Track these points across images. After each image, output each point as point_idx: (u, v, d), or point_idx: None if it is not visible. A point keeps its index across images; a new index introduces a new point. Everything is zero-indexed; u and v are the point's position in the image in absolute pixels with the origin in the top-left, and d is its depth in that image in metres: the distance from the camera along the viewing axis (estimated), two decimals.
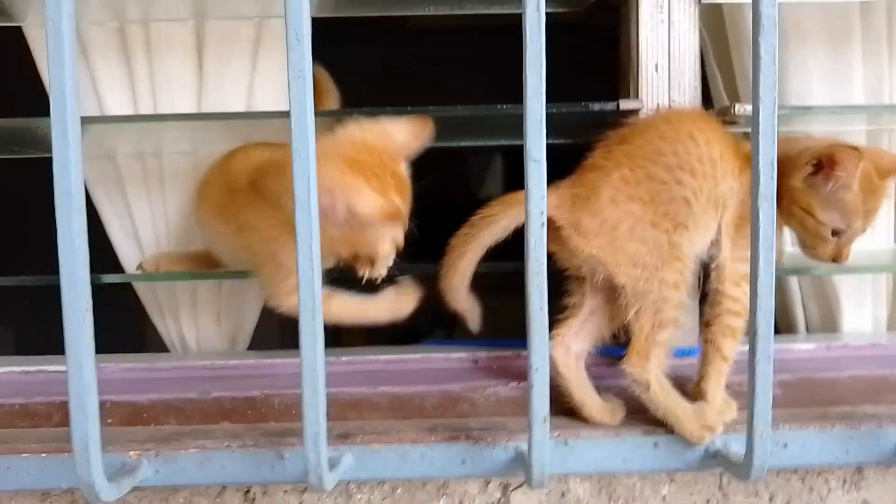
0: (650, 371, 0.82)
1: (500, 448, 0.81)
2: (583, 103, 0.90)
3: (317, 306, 0.70)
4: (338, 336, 1.05)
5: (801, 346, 1.01)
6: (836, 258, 0.87)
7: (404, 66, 2.58)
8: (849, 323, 1.12)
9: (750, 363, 0.73)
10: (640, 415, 0.85)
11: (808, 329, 1.16)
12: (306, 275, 0.69)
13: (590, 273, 0.85)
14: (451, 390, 0.89)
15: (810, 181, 0.84)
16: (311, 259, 0.68)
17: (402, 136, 0.86)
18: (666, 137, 0.84)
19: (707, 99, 1.12)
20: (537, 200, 0.69)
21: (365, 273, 0.89)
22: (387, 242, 0.86)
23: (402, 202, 0.83)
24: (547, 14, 0.68)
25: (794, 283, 1.15)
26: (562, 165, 0.85)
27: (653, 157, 0.83)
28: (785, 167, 0.82)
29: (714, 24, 1.13)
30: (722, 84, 1.14)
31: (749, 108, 0.90)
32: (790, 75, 1.09)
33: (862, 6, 1.10)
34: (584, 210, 0.83)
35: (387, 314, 0.90)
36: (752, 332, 0.72)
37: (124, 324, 1.23)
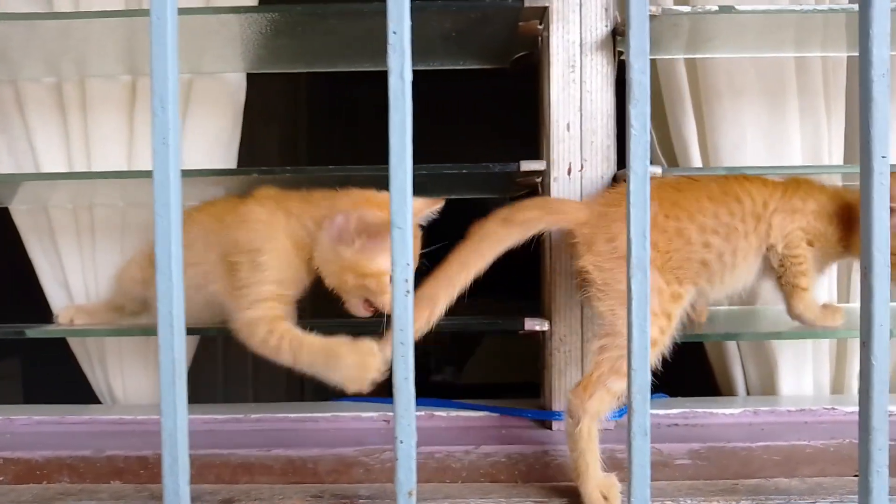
0: (587, 409, 0.80)
1: None
2: (484, 165, 0.89)
3: (178, 374, 0.69)
4: None
5: (725, 411, 0.97)
6: None
7: None
8: (788, 386, 1.08)
9: (627, 437, 0.70)
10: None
11: (748, 391, 1.12)
12: (166, 340, 0.68)
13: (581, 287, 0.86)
14: (345, 454, 0.87)
15: None
16: (172, 325, 0.68)
17: (418, 203, 0.85)
18: (713, 198, 0.86)
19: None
20: (402, 268, 0.68)
21: (378, 304, 0.86)
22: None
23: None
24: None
25: (732, 343, 1.11)
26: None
27: (690, 214, 0.85)
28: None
29: (652, 81, 1.12)
30: (657, 142, 1.12)
31: (657, 169, 0.89)
32: (724, 132, 1.07)
33: (798, 63, 1.08)
34: (604, 230, 0.83)
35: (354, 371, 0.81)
36: (629, 406, 0.69)
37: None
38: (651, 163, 1.11)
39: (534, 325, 0.90)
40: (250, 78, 1.13)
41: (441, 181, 0.97)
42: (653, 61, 1.10)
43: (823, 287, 1.08)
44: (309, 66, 1.11)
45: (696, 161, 1.08)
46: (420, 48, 1.00)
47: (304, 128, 2.91)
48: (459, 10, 0.88)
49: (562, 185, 0.93)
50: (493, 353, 3.17)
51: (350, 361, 0.78)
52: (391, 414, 0.97)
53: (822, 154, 1.08)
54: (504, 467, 0.86)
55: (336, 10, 0.92)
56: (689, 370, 1.18)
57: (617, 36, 0.93)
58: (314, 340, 0.81)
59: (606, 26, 0.93)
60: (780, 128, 1.07)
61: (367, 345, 0.79)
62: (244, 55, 1.06)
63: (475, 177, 0.92)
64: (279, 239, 0.86)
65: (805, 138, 1.08)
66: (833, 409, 0.98)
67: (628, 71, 0.67)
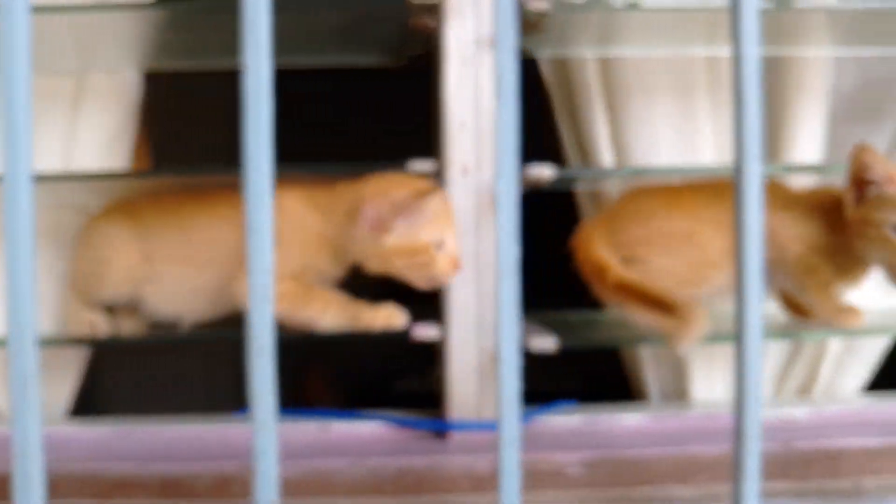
0: None
1: None
2: (369, 164, 0.87)
3: (30, 384, 0.65)
4: None
5: (629, 417, 0.95)
6: None
7: None
8: (699, 391, 1.07)
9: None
10: None
11: (660, 396, 1.11)
12: (18, 347, 0.64)
13: None
14: (226, 469, 0.83)
15: (859, 204, 0.87)
16: (23, 332, 0.64)
17: None
18: None
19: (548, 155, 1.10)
20: (260, 273, 0.65)
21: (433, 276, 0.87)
22: (446, 238, 0.85)
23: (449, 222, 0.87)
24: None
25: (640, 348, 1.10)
26: None
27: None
28: (839, 210, 0.88)
29: (560, 80, 1.10)
30: (569, 141, 1.11)
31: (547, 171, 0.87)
32: (635, 130, 1.06)
33: (708, 60, 1.07)
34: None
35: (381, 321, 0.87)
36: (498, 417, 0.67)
37: None
38: (562, 163, 1.11)
39: (425, 332, 0.87)
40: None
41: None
42: (563, 59, 1.09)
43: None
44: (205, 62, 1.08)
45: (609, 163, 1.07)
46: (309, 45, 0.98)
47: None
48: (344, 7, 0.85)
49: (456, 185, 0.91)
50: None
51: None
52: (284, 426, 0.95)
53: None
54: (392, 480, 0.84)
55: (227, 5, 0.88)
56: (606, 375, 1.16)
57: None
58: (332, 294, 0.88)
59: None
60: (691, 125, 1.06)
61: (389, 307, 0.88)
62: (138, 52, 1.03)
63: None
64: (306, 230, 0.88)
65: (717, 136, 1.07)
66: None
67: (498, 68, 0.65)
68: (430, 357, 0.98)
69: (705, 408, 0.99)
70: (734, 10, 0.67)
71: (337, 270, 0.90)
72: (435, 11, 0.88)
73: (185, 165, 0.96)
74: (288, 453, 0.88)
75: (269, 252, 0.66)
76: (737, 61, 0.67)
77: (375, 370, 3.19)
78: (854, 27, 1.06)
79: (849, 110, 1.17)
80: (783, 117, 1.09)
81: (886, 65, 1.16)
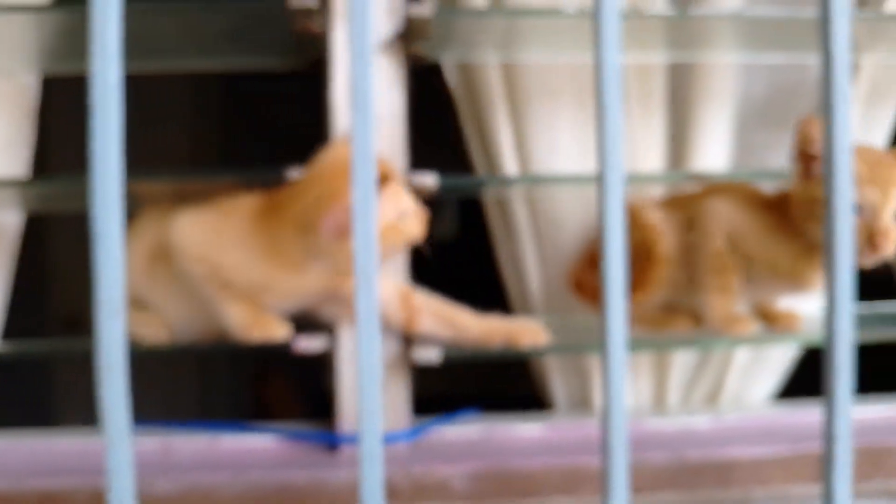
0: None
1: None
2: (248, 172, 0.85)
3: None
4: None
5: (528, 427, 0.94)
6: (871, 238, 0.79)
7: None
8: (600, 399, 1.05)
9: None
10: None
11: (567, 405, 1.09)
12: None
13: None
14: (100, 484, 0.80)
15: (805, 178, 0.85)
16: None
17: None
18: None
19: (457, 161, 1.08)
20: (108, 286, 0.63)
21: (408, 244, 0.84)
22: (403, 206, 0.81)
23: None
24: None
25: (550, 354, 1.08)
26: None
27: None
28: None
29: (464, 85, 1.09)
30: (475, 147, 1.09)
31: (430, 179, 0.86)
32: (538, 136, 1.05)
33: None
34: None
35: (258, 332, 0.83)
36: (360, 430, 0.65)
37: None
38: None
39: (307, 345, 0.85)
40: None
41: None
42: (467, 65, 1.08)
43: None
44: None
45: (513, 168, 1.05)
46: (198, 48, 0.95)
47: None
48: (225, 11, 0.83)
49: None
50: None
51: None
52: (174, 440, 0.92)
53: (638, 158, 1.07)
54: (273, 495, 0.81)
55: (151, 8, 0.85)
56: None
57: (407, 36, 0.90)
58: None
59: (394, 28, 0.89)
60: (593, 132, 1.05)
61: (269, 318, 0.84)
62: (36, 56, 1.00)
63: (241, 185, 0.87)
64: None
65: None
66: (640, 421, 0.96)
67: (353, 76, 0.63)
68: None
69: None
70: (595, 16, 0.67)
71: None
72: (321, 16, 0.87)
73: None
74: (173, 467, 0.87)
75: (119, 265, 0.63)
76: (598, 68, 0.66)
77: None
78: (761, 34, 1.06)
79: (760, 116, 1.17)
80: (690, 123, 1.08)
81: (797, 71, 1.16)
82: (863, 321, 1.00)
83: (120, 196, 0.62)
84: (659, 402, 1.09)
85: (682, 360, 1.08)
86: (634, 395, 1.07)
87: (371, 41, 0.63)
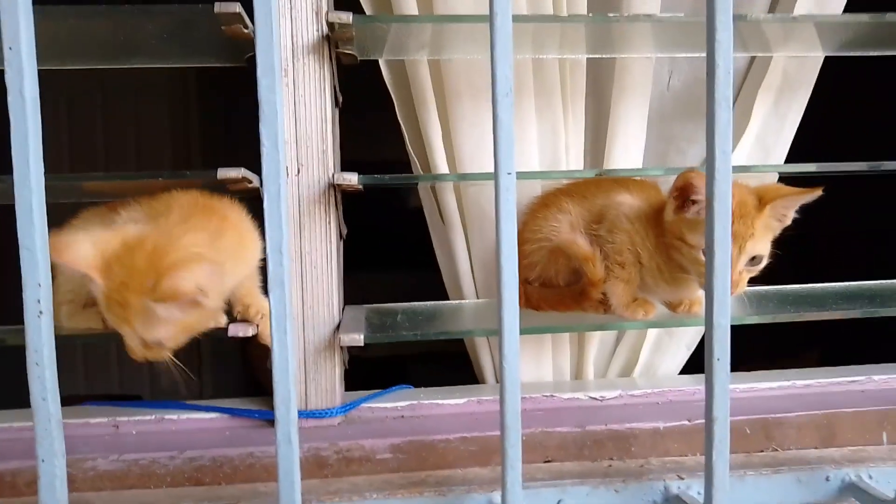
0: None
1: None
2: (182, 173, 0.87)
3: None
4: None
5: (451, 402, 0.99)
6: None
7: None
8: (526, 373, 1.12)
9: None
10: None
11: (497, 378, 1.15)
12: None
13: None
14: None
15: (678, 212, 0.89)
16: None
17: None
18: None
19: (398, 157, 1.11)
20: (33, 289, 0.66)
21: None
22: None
23: None
24: None
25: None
26: None
27: None
28: (656, 205, 0.92)
29: (400, 81, 1.11)
30: (408, 138, 1.12)
31: (353, 177, 0.89)
32: (465, 132, 1.08)
33: (535, 63, 1.09)
34: None
35: None
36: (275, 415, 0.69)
37: None
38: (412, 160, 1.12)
39: (240, 330, 0.89)
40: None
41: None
42: (400, 62, 1.10)
43: None
44: (69, 63, 1.06)
45: (442, 161, 1.09)
46: (138, 49, 0.97)
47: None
48: (153, 14, 0.85)
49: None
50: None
51: None
52: (122, 419, 0.96)
53: (560, 153, 1.11)
54: (209, 470, 0.86)
55: (84, 11, 0.86)
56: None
57: (334, 40, 0.92)
58: None
59: (318, 30, 0.91)
60: (518, 127, 1.09)
61: None
62: None
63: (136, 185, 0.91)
64: None
65: (543, 137, 1.10)
66: (552, 396, 1.01)
67: (259, 89, 0.66)
68: None
69: (526, 392, 1.04)
70: (490, 20, 0.70)
71: None
72: (248, 18, 0.88)
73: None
74: (121, 445, 0.91)
75: (42, 269, 0.67)
76: (495, 77, 0.70)
77: None
78: (679, 33, 1.09)
79: (678, 107, 1.21)
80: (608, 117, 1.12)
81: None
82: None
83: (42, 199, 0.66)
84: (579, 376, 1.15)
85: (599, 337, 1.14)
86: (555, 370, 1.13)
87: (277, 56, 0.67)
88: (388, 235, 2.97)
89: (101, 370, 2.80)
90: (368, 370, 1.09)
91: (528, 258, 0.98)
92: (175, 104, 2.92)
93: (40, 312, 0.66)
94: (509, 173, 0.69)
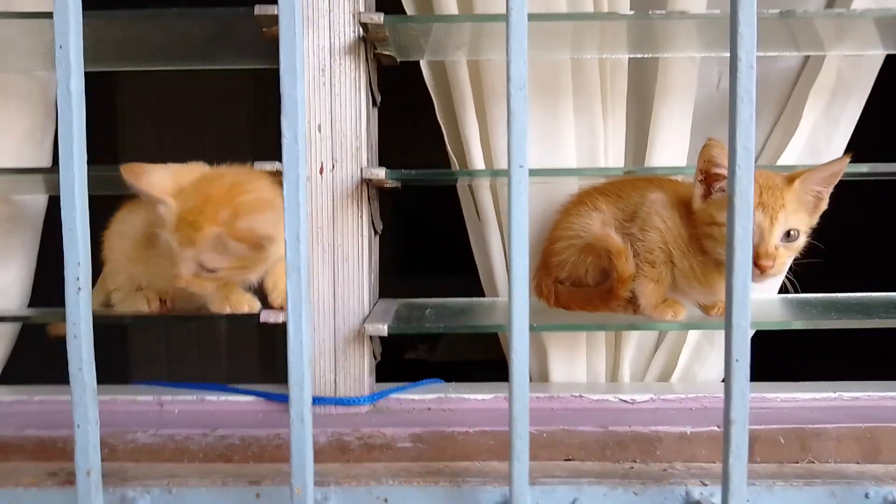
0: None
1: (109, 494, 0.82)
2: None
3: None
4: None
5: (478, 397, 0.99)
6: (756, 259, 0.83)
7: None
8: (558, 373, 1.10)
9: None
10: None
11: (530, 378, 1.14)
12: None
13: None
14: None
15: (705, 199, 0.88)
16: None
17: None
18: None
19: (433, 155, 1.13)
20: (73, 267, 0.71)
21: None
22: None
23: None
24: None
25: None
26: None
27: None
28: (689, 203, 0.90)
29: (439, 81, 1.13)
30: (450, 141, 1.14)
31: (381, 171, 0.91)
32: (502, 132, 1.08)
33: (574, 63, 1.09)
34: None
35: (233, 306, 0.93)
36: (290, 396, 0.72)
37: None
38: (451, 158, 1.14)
39: (273, 317, 0.92)
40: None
41: None
42: (440, 63, 1.12)
43: None
44: (125, 65, 1.14)
45: (479, 160, 1.10)
46: (184, 51, 1.02)
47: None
48: (197, 18, 0.90)
49: (314, 184, 0.95)
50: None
51: None
52: (167, 398, 1.02)
53: (599, 154, 1.09)
54: (238, 449, 0.90)
55: (144, 15, 0.92)
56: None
57: (369, 41, 0.95)
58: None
59: (355, 32, 0.94)
60: (555, 128, 1.08)
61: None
62: (50, 55, 1.08)
63: None
64: None
65: (581, 138, 1.09)
66: (581, 396, 1.00)
67: (281, 85, 0.69)
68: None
69: (547, 390, 1.02)
70: (507, 24, 0.70)
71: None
72: None
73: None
74: (157, 422, 0.95)
75: (82, 248, 0.72)
76: (509, 73, 0.70)
77: (386, 341, 3.33)
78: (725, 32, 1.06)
79: (727, 110, 1.17)
80: (651, 118, 1.10)
81: (763, 64, 1.16)
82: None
83: (85, 186, 0.71)
84: (614, 379, 1.13)
85: (636, 341, 1.12)
86: (589, 371, 1.12)
87: (299, 52, 0.69)
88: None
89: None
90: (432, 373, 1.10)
91: (559, 256, 0.98)
92: (250, 103, 3.04)
93: (79, 289, 0.71)
94: (521, 166, 0.69)
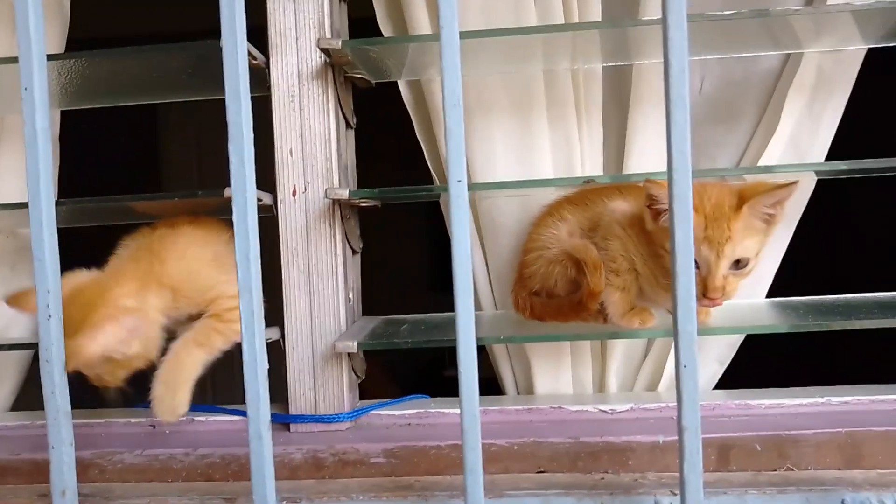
0: None
1: None
2: (192, 192, 0.95)
3: None
4: None
5: (455, 411, 1.00)
6: (705, 292, 0.83)
7: None
8: (543, 385, 1.10)
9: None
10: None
11: (517, 390, 1.14)
12: None
13: None
14: (81, 457, 0.93)
15: (655, 222, 0.87)
16: None
17: None
18: None
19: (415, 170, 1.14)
20: (44, 295, 0.75)
21: None
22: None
23: None
24: None
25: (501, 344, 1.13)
26: None
27: None
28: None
29: (418, 100, 1.15)
30: (429, 157, 1.15)
31: (345, 192, 0.93)
32: (475, 146, 1.09)
33: (546, 75, 1.09)
34: None
35: None
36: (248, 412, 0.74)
37: None
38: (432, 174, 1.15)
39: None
40: None
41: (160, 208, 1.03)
42: (417, 82, 1.14)
43: None
44: (115, 100, 1.19)
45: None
46: (167, 84, 1.06)
47: None
48: (172, 52, 0.93)
49: (288, 207, 0.98)
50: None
51: None
52: (158, 419, 1.05)
53: (575, 164, 1.09)
54: (219, 467, 0.92)
55: (124, 52, 0.96)
56: None
57: (336, 65, 0.97)
58: None
59: (321, 58, 0.97)
60: (529, 140, 1.09)
61: None
62: (57, 93, 1.15)
63: (186, 204, 0.98)
64: None
65: (557, 149, 1.09)
66: (560, 407, 0.99)
67: (227, 113, 0.71)
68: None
69: (527, 402, 1.02)
70: (440, 41, 0.72)
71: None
72: (262, 50, 0.96)
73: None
74: (145, 444, 0.98)
75: (52, 276, 0.75)
76: (444, 90, 0.71)
77: (427, 359, 3.35)
78: (706, 35, 1.05)
79: (709, 112, 1.16)
80: (629, 124, 1.09)
81: (744, 65, 1.14)
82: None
83: (53, 218, 0.75)
84: (601, 390, 1.11)
85: (623, 350, 1.10)
86: (575, 383, 1.11)
87: (243, 81, 0.72)
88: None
89: None
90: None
91: (529, 268, 0.98)
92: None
93: (49, 316, 0.75)
94: (459, 181, 0.70)
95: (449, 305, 0.72)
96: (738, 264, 0.83)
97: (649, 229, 0.88)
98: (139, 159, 3.24)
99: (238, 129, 0.71)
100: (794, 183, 0.81)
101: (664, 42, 0.68)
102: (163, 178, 3.44)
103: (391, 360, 2.43)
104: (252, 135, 0.73)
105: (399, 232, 2.85)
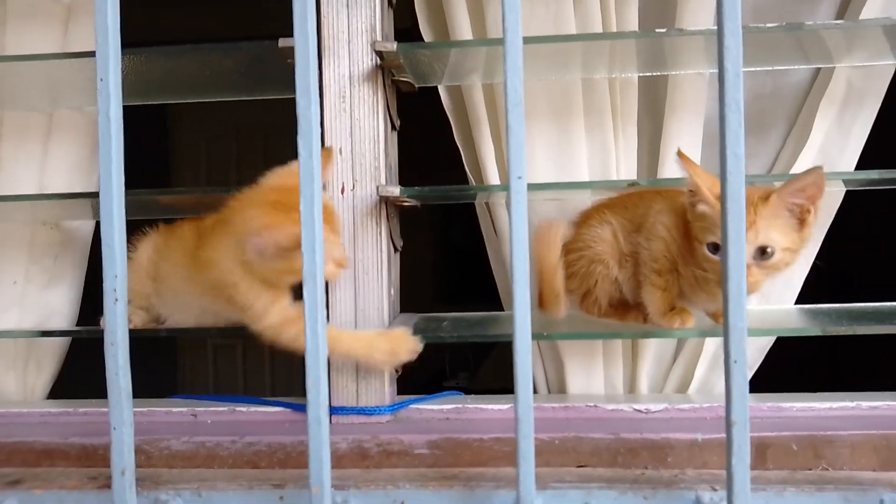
0: None
1: (143, 497, 0.87)
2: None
3: None
4: None
5: (495, 407, 1.01)
6: None
7: None
8: (576, 384, 1.12)
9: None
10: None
11: (549, 389, 1.16)
12: None
13: None
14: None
15: (691, 210, 0.89)
16: None
17: None
18: None
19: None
20: (111, 279, 0.76)
21: None
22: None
23: (328, 228, 0.90)
24: None
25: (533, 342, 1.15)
26: None
27: None
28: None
29: (457, 105, 1.17)
30: (467, 159, 1.17)
31: (395, 189, 0.95)
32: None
33: (584, 83, 1.12)
34: None
35: (387, 356, 0.94)
36: (307, 398, 0.75)
37: None
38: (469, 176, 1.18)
39: None
40: None
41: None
42: (457, 87, 1.16)
43: None
44: (165, 98, 1.21)
45: (495, 178, 1.13)
46: (218, 84, 1.09)
47: None
48: (228, 52, 0.96)
49: (336, 204, 1.00)
50: (507, 357, 3.27)
51: (385, 347, 0.92)
52: (200, 409, 1.07)
53: (611, 169, 1.12)
54: (265, 455, 0.94)
55: (182, 50, 0.99)
56: None
57: (386, 68, 1.00)
58: (348, 334, 0.95)
59: (372, 60, 0.99)
60: (568, 146, 1.11)
61: (399, 332, 0.93)
62: None
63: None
64: None
65: (593, 154, 1.12)
66: (595, 406, 1.01)
67: (297, 108, 0.74)
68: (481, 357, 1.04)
69: (562, 400, 1.04)
70: (504, 45, 0.74)
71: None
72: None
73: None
74: (191, 431, 1.00)
75: (120, 263, 0.77)
76: (506, 91, 0.74)
77: (431, 371, 3.37)
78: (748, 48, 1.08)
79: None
80: (664, 131, 1.12)
81: (773, 77, 1.17)
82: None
83: (122, 207, 0.77)
84: (632, 391, 1.13)
85: (653, 352, 1.12)
86: (607, 384, 1.12)
87: (313, 77, 0.74)
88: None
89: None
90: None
91: (570, 268, 1.00)
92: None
93: (116, 300, 0.77)
94: (520, 177, 0.72)
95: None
96: (764, 255, 0.84)
97: (690, 219, 0.90)
98: (149, 158, 3.29)
99: (308, 124, 0.73)
100: (819, 168, 0.82)
101: (719, 49, 0.70)
102: (172, 178, 3.49)
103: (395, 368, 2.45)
104: (320, 129, 0.75)
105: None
